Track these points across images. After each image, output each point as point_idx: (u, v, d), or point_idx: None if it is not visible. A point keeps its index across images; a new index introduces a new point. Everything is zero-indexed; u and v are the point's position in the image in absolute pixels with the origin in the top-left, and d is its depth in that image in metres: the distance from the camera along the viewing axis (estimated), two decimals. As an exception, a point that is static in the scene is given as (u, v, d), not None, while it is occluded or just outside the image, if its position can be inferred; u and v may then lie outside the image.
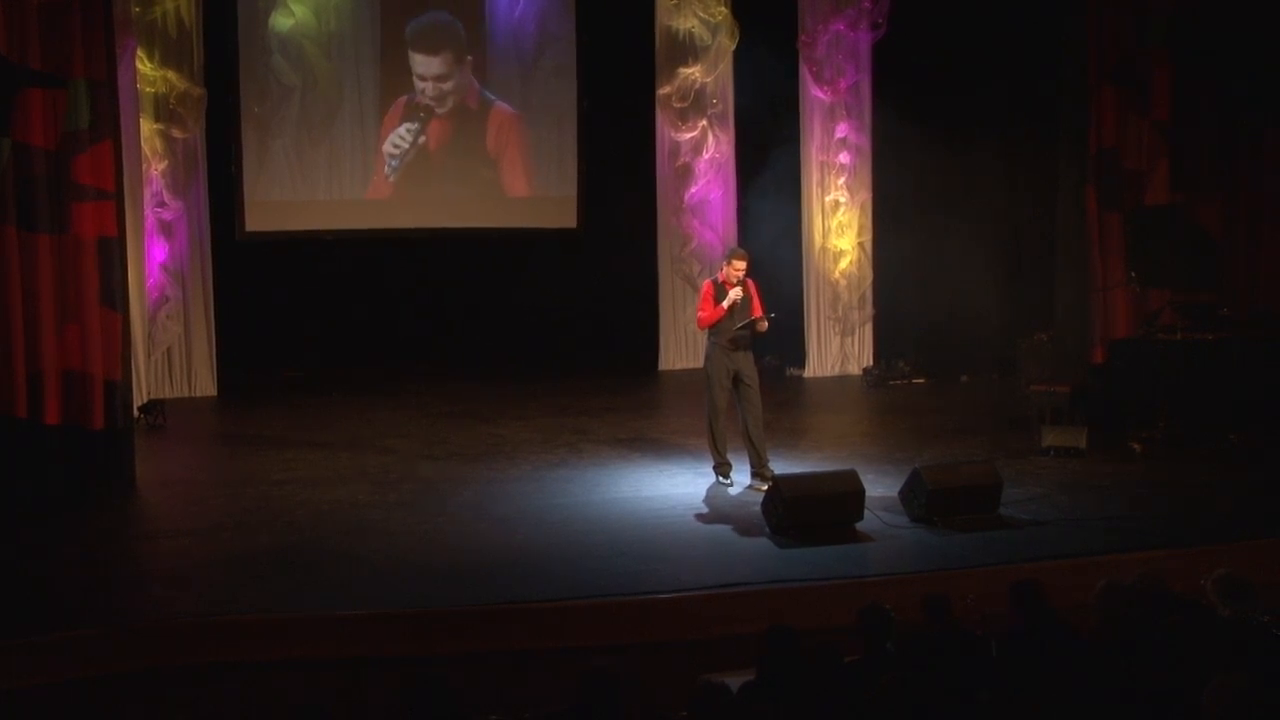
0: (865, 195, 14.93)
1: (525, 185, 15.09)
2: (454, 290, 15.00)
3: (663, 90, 14.93)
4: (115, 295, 9.56)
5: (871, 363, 14.92)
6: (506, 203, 15.06)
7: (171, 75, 13.11)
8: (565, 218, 15.16)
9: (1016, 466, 10.02)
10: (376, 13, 14.39)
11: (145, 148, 13.00)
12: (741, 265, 9.58)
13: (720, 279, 9.60)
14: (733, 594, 7.41)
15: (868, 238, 14.99)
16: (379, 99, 14.50)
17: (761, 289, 9.81)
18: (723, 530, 8.57)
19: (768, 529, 8.44)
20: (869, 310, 15.07)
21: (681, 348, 15.38)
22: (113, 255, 9.54)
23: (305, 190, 14.41)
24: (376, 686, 6.69)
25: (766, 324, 9.53)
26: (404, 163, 14.52)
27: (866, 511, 8.57)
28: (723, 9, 14.77)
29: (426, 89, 14.56)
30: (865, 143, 14.85)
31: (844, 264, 14.96)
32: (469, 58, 14.69)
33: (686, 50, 14.87)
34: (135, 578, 7.77)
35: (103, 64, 9.43)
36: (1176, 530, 8.53)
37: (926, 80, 14.30)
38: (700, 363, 15.22)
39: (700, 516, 8.91)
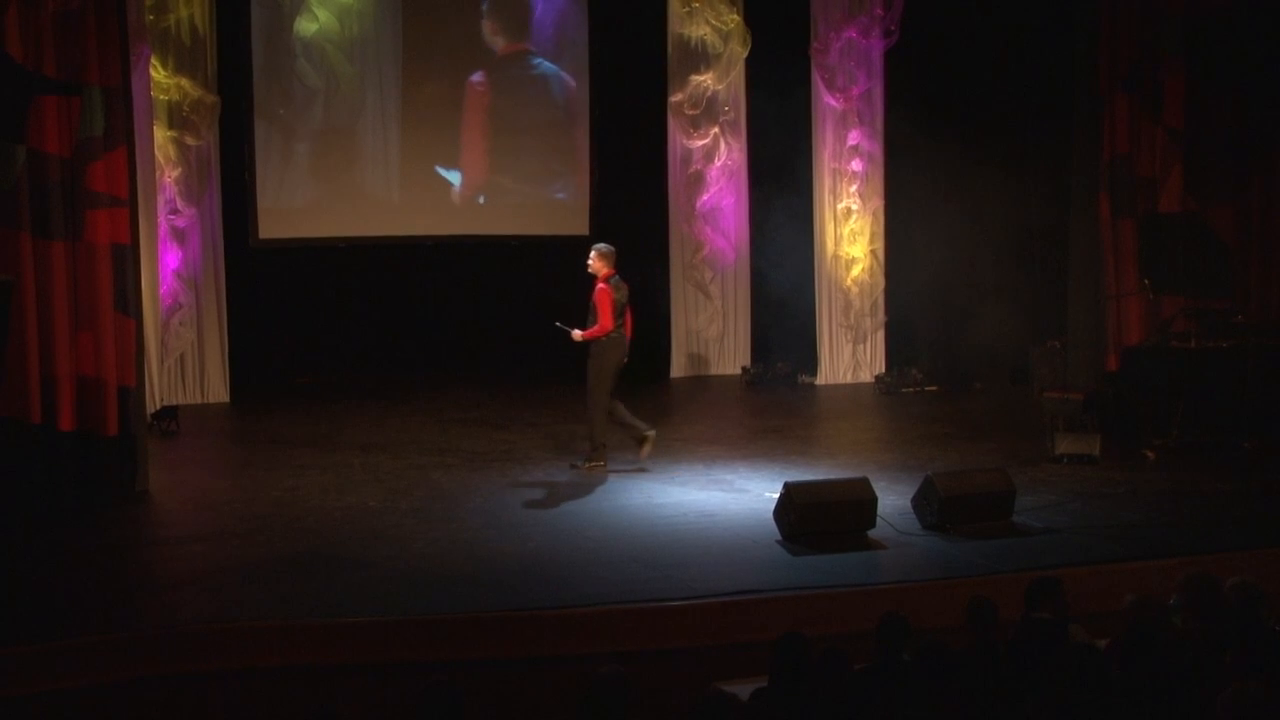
0: (877, 202, 14.92)
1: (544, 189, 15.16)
2: (466, 297, 15.01)
3: (675, 97, 14.95)
4: (129, 301, 9.59)
5: (884, 370, 14.90)
6: (518, 209, 15.08)
7: (185, 82, 13.16)
8: (577, 224, 15.18)
9: (1029, 474, 10.00)
10: (399, 19, 14.46)
11: (159, 155, 13.03)
12: (589, 259, 10.28)
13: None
14: (744, 601, 7.39)
15: (880, 245, 14.98)
16: (400, 105, 14.58)
17: (611, 292, 10.22)
18: (734, 537, 8.55)
19: (779, 536, 8.43)
20: (881, 317, 15.05)
21: (693, 355, 15.40)
22: (126, 262, 9.56)
23: (320, 197, 14.44)
24: (388, 693, 6.69)
25: (573, 335, 10.28)
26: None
27: (879, 519, 8.55)
28: (735, 16, 14.79)
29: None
30: (877, 150, 14.84)
31: (856, 271, 14.95)
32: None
33: (698, 57, 14.89)
34: (147, 584, 7.78)
35: (117, 71, 9.45)
36: (1190, 538, 8.50)
37: (939, 87, 14.30)
38: (708, 369, 15.40)
39: (712, 523, 8.89)
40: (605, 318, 10.16)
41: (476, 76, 14.70)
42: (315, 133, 14.34)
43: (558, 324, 10.34)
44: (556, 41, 14.97)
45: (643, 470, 10.33)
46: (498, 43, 14.71)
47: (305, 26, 14.11)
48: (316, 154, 14.37)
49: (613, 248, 10.45)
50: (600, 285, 10.24)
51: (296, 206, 14.40)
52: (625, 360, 10.40)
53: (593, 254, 10.33)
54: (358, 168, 14.57)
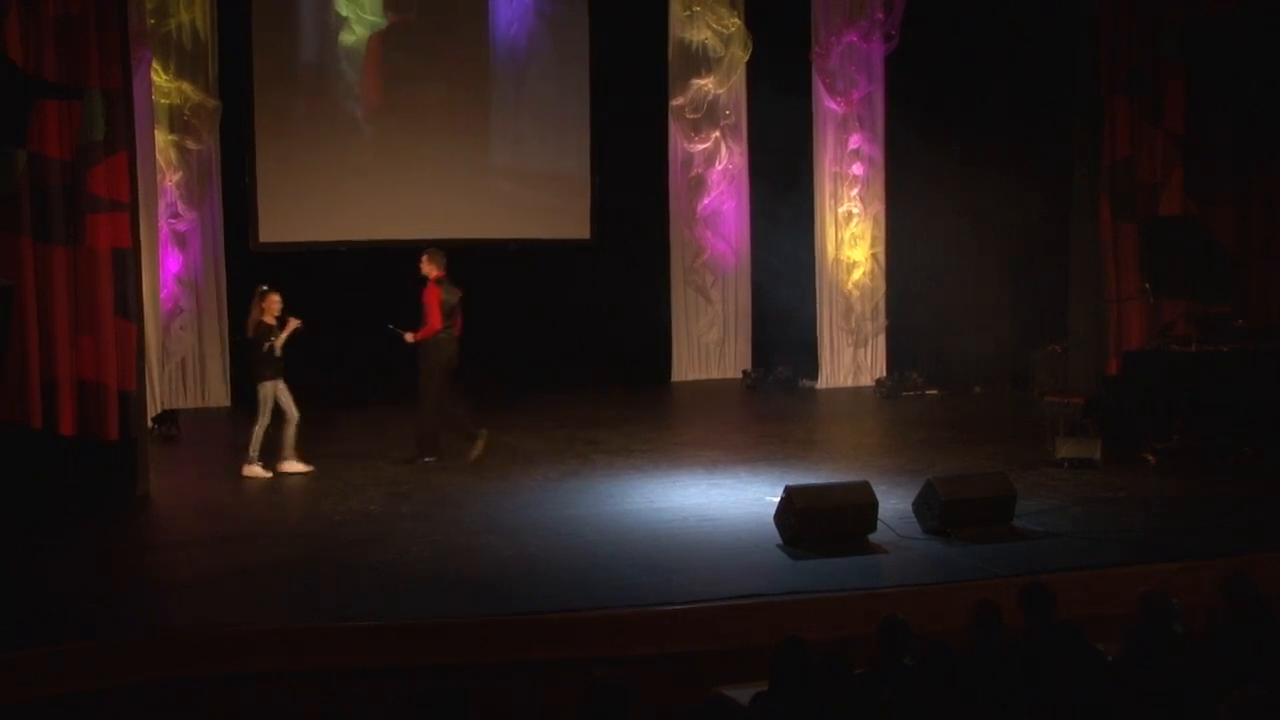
0: (878, 206, 14.93)
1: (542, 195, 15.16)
2: (467, 301, 14.98)
3: (676, 101, 14.96)
4: (129, 306, 9.59)
5: (884, 374, 14.91)
6: (520, 214, 15.09)
7: (186, 87, 13.19)
8: (578, 229, 15.18)
9: (1030, 478, 9.99)
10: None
11: (160, 159, 13.05)
12: (421, 260, 10.68)
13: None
14: (745, 605, 7.38)
15: (880, 249, 15.00)
16: (404, 110, 14.68)
17: (440, 297, 10.62)
18: (735, 541, 8.54)
19: (780, 540, 8.42)
20: (882, 321, 15.07)
21: (694, 359, 15.40)
22: (127, 266, 9.57)
23: (321, 201, 14.45)
24: (388, 697, 6.69)
25: (406, 338, 10.67)
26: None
27: (879, 523, 8.54)
28: (736, 20, 14.81)
29: None
30: (878, 154, 14.86)
31: (857, 275, 14.96)
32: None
33: (699, 61, 14.91)
34: (148, 588, 7.77)
35: (118, 76, 9.47)
36: (1190, 542, 8.49)
37: (939, 91, 14.32)
38: (711, 373, 15.40)
39: (713, 528, 8.88)
40: (434, 318, 10.55)
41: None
42: (318, 136, 14.36)
43: (391, 326, 10.69)
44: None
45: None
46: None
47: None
48: (319, 158, 14.39)
49: (443, 251, 10.81)
50: (430, 286, 10.58)
51: (297, 210, 14.40)
52: (455, 361, 10.69)
53: (424, 256, 10.67)
54: (359, 171, 14.58)
